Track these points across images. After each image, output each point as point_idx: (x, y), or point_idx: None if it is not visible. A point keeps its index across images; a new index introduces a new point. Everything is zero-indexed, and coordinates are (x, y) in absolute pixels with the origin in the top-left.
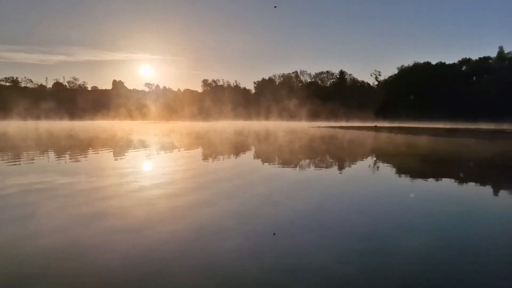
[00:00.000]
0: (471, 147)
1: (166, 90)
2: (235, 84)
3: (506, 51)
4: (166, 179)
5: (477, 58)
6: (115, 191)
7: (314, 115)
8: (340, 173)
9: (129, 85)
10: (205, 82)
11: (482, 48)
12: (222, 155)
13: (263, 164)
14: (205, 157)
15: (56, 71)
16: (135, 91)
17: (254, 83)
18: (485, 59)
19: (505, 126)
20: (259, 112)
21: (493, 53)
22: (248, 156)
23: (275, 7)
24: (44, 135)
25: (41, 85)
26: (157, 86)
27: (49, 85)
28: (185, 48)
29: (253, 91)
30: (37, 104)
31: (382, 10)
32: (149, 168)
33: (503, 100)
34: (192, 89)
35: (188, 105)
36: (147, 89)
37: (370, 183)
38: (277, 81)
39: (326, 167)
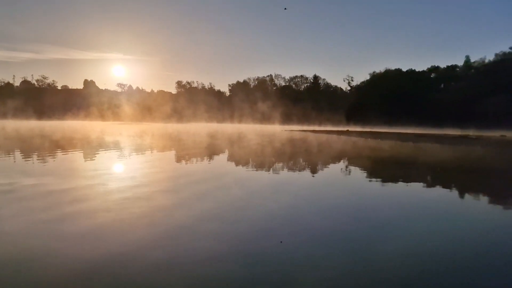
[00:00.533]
0: (435, 151)
1: (139, 91)
2: (209, 86)
3: (472, 60)
4: (135, 182)
5: (445, 66)
6: (80, 194)
7: (287, 119)
8: (313, 176)
9: (101, 85)
10: (179, 83)
11: (450, 57)
12: (194, 158)
13: (234, 167)
14: (177, 160)
15: (24, 69)
16: (107, 91)
17: (229, 85)
18: (453, 67)
19: (470, 132)
20: (233, 115)
21: (460, 62)
22: (220, 159)
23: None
24: (11, 134)
25: (8, 83)
26: (130, 86)
27: (17, 83)
28: (159, 48)
29: (227, 93)
30: (3, 102)
31: (356, 17)
32: (119, 170)
33: (468, 107)
34: (166, 90)
35: (162, 107)
36: (119, 90)
37: (339, 186)
38: (252, 84)
39: (298, 170)
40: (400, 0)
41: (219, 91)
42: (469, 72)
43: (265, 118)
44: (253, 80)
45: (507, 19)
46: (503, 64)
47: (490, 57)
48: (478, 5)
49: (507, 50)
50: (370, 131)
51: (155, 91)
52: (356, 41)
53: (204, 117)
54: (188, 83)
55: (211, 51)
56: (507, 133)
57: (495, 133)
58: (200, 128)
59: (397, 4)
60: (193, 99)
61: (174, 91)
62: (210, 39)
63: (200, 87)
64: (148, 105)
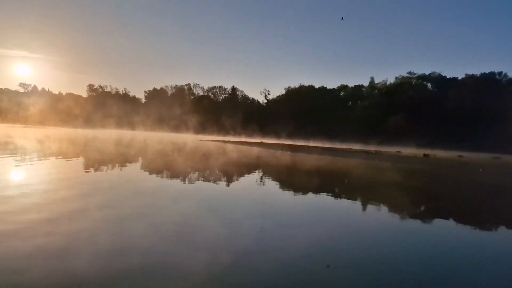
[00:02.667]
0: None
1: (45, 92)
2: (124, 92)
3: (376, 81)
4: (26, 190)
5: (353, 86)
6: None
7: (204, 128)
8: (228, 185)
9: (0, 83)
10: (90, 87)
11: (358, 77)
12: (100, 167)
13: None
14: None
15: None
16: (6, 90)
17: (145, 92)
18: (359, 87)
19: (371, 147)
20: (149, 122)
21: (365, 82)
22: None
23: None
24: None
25: None
26: (35, 87)
27: None
28: (71, 49)
29: (143, 100)
30: None
31: (274, 32)
32: (10, 178)
33: (372, 124)
34: (76, 94)
35: (70, 110)
36: (21, 90)
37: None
38: (169, 92)
39: (212, 180)
40: (314, 20)
41: (134, 97)
42: (373, 92)
43: (180, 127)
44: (171, 88)
45: (407, 45)
46: (401, 87)
47: (391, 79)
48: (383, 30)
49: (405, 74)
50: (283, 144)
51: (64, 93)
52: (274, 56)
53: (116, 123)
54: (101, 87)
55: (128, 56)
56: (403, 149)
57: (393, 149)
58: (112, 135)
59: (312, 23)
60: (105, 104)
61: (85, 94)
62: (127, 43)
63: (113, 92)
64: (54, 108)
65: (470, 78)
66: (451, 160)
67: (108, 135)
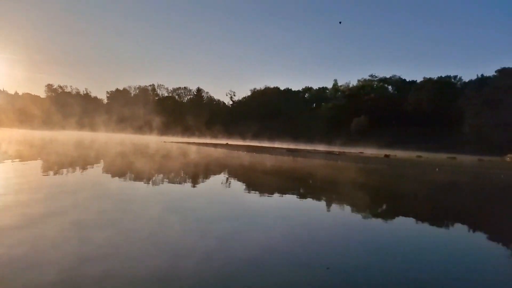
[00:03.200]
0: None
1: None
2: (85, 92)
3: (339, 83)
4: None
5: (317, 88)
6: None
7: (169, 130)
8: (193, 187)
9: None
10: (49, 87)
11: (322, 79)
12: (59, 170)
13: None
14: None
15: None
16: None
17: (107, 92)
18: (323, 89)
19: (335, 148)
20: (111, 124)
21: (329, 84)
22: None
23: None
24: None
25: None
26: None
27: None
28: (28, 47)
29: (105, 101)
30: None
31: (239, 33)
32: None
33: (336, 125)
34: (33, 94)
35: (27, 111)
36: None
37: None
38: (133, 93)
39: (176, 182)
40: (280, 22)
41: (95, 98)
42: (337, 94)
43: (144, 128)
44: (134, 88)
45: (370, 49)
46: (363, 89)
47: (353, 82)
48: (346, 33)
49: (367, 77)
50: (248, 145)
51: (20, 93)
52: (240, 57)
53: (76, 124)
54: (61, 87)
55: (90, 56)
56: (365, 150)
57: (356, 150)
58: (67, 137)
59: (278, 26)
60: (65, 105)
61: (43, 95)
62: (89, 42)
63: (74, 92)
64: (10, 109)
65: (428, 81)
66: (410, 160)
67: (67, 137)
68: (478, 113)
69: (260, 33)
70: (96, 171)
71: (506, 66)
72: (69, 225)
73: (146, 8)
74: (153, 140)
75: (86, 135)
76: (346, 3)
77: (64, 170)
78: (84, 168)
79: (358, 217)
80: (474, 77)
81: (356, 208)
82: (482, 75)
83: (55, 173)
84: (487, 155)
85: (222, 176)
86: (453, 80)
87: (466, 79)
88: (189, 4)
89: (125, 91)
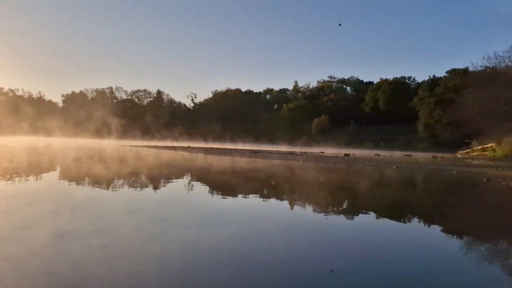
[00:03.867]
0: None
1: None
2: (38, 96)
3: (300, 85)
4: None
5: (278, 89)
6: None
7: (128, 133)
8: (155, 192)
9: None
10: None
11: (283, 80)
12: (9, 179)
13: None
14: None
15: None
16: None
17: (63, 96)
18: (284, 90)
19: (297, 149)
20: (67, 128)
21: (290, 86)
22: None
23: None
24: None
25: None
26: None
27: None
28: None
29: (61, 104)
30: None
31: (199, 35)
32: None
33: (297, 126)
34: None
35: None
36: None
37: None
38: (90, 96)
39: (137, 187)
40: (240, 24)
41: (50, 102)
42: (298, 95)
43: (102, 132)
44: (91, 91)
45: (328, 50)
46: (323, 90)
47: (313, 83)
48: (305, 34)
49: (326, 78)
50: (211, 147)
51: None
52: (201, 59)
53: (29, 129)
54: (11, 90)
55: (43, 57)
56: (326, 150)
57: (317, 150)
58: (18, 142)
59: (238, 27)
60: (16, 109)
61: None
62: (41, 44)
63: (26, 95)
64: None
65: (384, 82)
66: (369, 159)
67: (18, 142)
68: (431, 113)
69: (222, 34)
70: (51, 179)
71: (456, 67)
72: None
73: (102, 8)
74: (112, 145)
75: (38, 140)
76: (306, 5)
77: (16, 179)
78: (38, 176)
79: (320, 215)
80: (426, 78)
81: (319, 205)
82: (434, 76)
83: (6, 182)
84: (440, 152)
85: (184, 180)
86: (407, 80)
87: (419, 79)
88: (148, 5)
89: (81, 94)
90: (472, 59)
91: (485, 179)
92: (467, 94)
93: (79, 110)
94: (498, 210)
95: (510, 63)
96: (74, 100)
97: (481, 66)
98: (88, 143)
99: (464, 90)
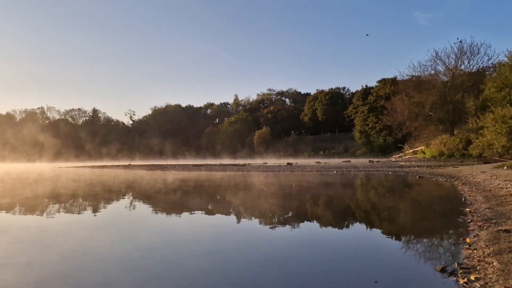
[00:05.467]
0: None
1: None
2: None
3: (240, 98)
4: None
5: (219, 103)
6: None
7: (63, 155)
8: (95, 215)
9: None
10: None
11: (223, 94)
12: None
13: None
14: None
15: None
16: None
17: None
18: (225, 104)
19: (240, 161)
20: None
21: (230, 100)
22: None
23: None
24: None
25: None
26: None
27: None
28: None
29: None
30: None
31: (134, 50)
32: None
33: (239, 139)
34: None
35: None
36: None
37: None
38: (18, 117)
39: (75, 211)
40: (178, 38)
41: None
42: (238, 109)
43: (34, 155)
44: (20, 112)
45: (267, 63)
46: (263, 103)
47: (253, 96)
48: (243, 48)
49: (266, 91)
50: (153, 164)
51: None
52: (137, 75)
53: None
54: None
55: None
56: (268, 160)
57: (260, 161)
58: None
59: (177, 41)
60: None
61: None
62: None
63: None
64: None
65: (320, 92)
66: (311, 166)
67: None
68: (365, 120)
69: (158, 48)
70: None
71: (385, 76)
72: None
73: (29, 22)
74: (47, 167)
75: None
76: (244, 19)
77: None
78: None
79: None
80: (359, 88)
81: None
82: (366, 85)
83: None
84: (376, 157)
85: (128, 199)
86: (342, 91)
87: (353, 89)
88: (79, 19)
89: (8, 116)
90: (400, 69)
91: (417, 176)
92: (396, 101)
93: (5, 133)
94: (429, 196)
95: (432, 71)
96: (0, 122)
97: (407, 75)
98: (19, 167)
99: (393, 98)
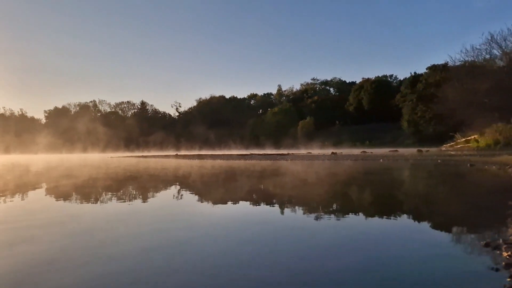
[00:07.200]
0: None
1: None
2: (20, 113)
3: (283, 89)
4: None
5: (262, 94)
6: None
7: (114, 145)
8: (144, 201)
9: None
10: None
11: (267, 85)
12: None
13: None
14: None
15: None
16: None
17: (45, 112)
18: (268, 95)
19: (283, 151)
20: (51, 144)
21: (274, 90)
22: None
23: None
24: None
25: None
26: None
27: None
28: None
29: (43, 120)
30: None
31: (181, 43)
32: None
33: (282, 129)
34: None
35: None
36: None
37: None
38: (73, 111)
39: (130, 199)
40: (221, 31)
41: (32, 118)
42: (281, 99)
43: (88, 146)
44: (74, 105)
45: (310, 53)
46: (307, 93)
47: (297, 86)
48: (286, 38)
49: (309, 81)
50: (198, 154)
51: None
52: (183, 68)
53: (14, 147)
54: None
55: (23, 74)
56: (312, 150)
57: (304, 151)
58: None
59: (220, 35)
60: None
61: None
62: (19, 59)
63: (8, 113)
64: None
65: (366, 81)
66: (356, 155)
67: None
68: (414, 109)
69: (203, 42)
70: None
71: (435, 62)
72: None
73: (82, 20)
74: (99, 158)
75: (25, 158)
76: (286, 9)
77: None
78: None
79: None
80: (408, 75)
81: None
82: (415, 72)
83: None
84: (425, 147)
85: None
86: (389, 79)
87: (401, 77)
88: (128, 16)
89: (64, 109)
90: (451, 54)
91: (469, 165)
92: (447, 88)
93: (62, 125)
94: (480, 186)
95: (487, 56)
96: (57, 115)
97: (459, 60)
98: (76, 158)
99: (444, 85)
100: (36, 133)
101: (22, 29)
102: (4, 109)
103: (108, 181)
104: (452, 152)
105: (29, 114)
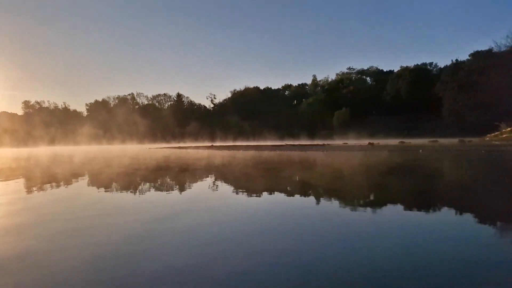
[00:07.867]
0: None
1: None
2: (63, 106)
3: (318, 79)
4: None
5: (297, 85)
6: None
7: (151, 137)
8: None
9: None
10: (26, 103)
11: (301, 76)
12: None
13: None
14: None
15: None
16: None
17: (86, 105)
18: (303, 85)
19: (319, 141)
20: (93, 136)
21: (308, 81)
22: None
23: None
24: None
25: None
26: None
27: None
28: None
29: (85, 113)
30: None
31: (215, 36)
32: None
33: (317, 120)
34: (10, 112)
35: (6, 130)
36: None
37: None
38: (112, 103)
39: (169, 187)
40: (255, 23)
41: (75, 111)
42: (316, 89)
43: (126, 138)
44: (113, 98)
45: (345, 42)
46: (342, 83)
47: (332, 76)
48: (321, 28)
49: (345, 70)
50: (232, 145)
51: None
52: (218, 60)
53: (58, 139)
54: (38, 103)
55: (64, 68)
56: (349, 141)
57: (340, 142)
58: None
59: (254, 26)
60: (44, 120)
61: (20, 112)
62: (61, 55)
63: (52, 107)
64: None
65: (404, 70)
66: (394, 146)
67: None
68: (455, 97)
69: (237, 34)
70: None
71: (479, 49)
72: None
73: (120, 16)
74: (139, 148)
75: (72, 150)
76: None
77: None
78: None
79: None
80: (449, 63)
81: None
82: (456, 60)
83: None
84: (467, 137)
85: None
86: (429, 67)
87: (441, 65)
88: (164, 9)
89: (104, 102)
90: (496, 39)
91: None
92: (492, 75)
93: (103, 118)
94: None
95: None
96: (97, 108)
97: (505, 45)
98: (117, 149)
99: (489, 72)
100: (78, 125)
101: (66, 27)
102: (49, 103)
103: (162, 171)
104: (496, 142)
105: (71, 108)
